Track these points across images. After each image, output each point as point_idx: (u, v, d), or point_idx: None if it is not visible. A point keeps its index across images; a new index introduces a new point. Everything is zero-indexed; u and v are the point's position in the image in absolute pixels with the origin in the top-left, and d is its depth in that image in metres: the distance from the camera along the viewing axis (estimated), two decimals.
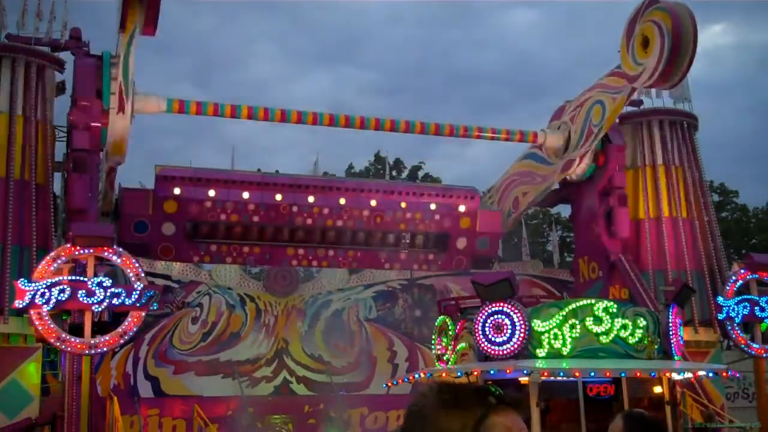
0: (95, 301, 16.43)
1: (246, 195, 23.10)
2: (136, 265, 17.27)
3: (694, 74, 29.45)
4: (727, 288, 21.42)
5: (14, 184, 19.64)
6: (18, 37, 21.00)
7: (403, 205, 24.65)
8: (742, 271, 21.46)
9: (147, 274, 19.12)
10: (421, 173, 49.39)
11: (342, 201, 23.99)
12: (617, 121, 25.70)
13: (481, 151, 78.15)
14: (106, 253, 17.10)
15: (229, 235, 23.60)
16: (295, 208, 23.44)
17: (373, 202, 24.31)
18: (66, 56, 21.81)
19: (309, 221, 23.80)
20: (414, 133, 24.41)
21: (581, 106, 24.71)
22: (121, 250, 17.50)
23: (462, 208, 25.32)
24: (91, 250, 17.05)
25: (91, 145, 20.32)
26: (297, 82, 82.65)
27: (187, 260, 24.01)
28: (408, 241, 25.17)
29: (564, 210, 32.42)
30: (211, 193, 22.92)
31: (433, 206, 24.92)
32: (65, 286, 16.33)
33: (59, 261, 16.94)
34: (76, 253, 17.01)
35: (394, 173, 45.76)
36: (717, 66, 79.62)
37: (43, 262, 16.91)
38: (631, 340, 15.72)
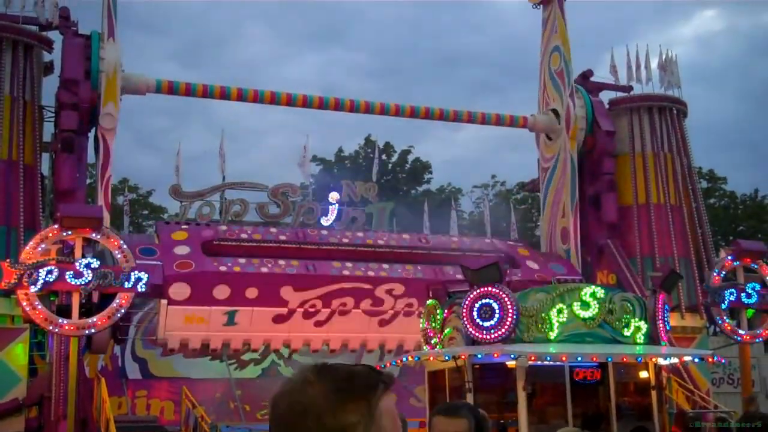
0: (83, 283, 16.38)
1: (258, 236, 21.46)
2: (124, 246, 17.21)
3: (685, 59, 29.62)
4: (714, 274, 21.53)
5: (2, 164, 19.57)
6: (5, 16, 20.84)
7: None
8: (729, 257, 21.56)
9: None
10: (410, 157, 49.36)
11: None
12: (607, 106, 25.81)
13: (473, 135, 78.08)
14: (93, 234, 17.02)
15: (256, 250, 21.15)
16: (324, 232, 22.36)
17: (407, 236, 23.18)
18: (54, 36, 21.70)
19: (345, 239, 22.31)
20: (404, 116, 24.47)
21: (543, 84, 25.23)
22: (109, 230, 17.43)
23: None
24: (79, 231, 16.98)
25: (79, 126, 20.25)
26: (287, 63, 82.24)
27: (212, 271, 20.03)
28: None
29: None
30: (223, 227, 21.46)
31: (487, 240, 24.65)
32: (53, 267, 16.27)
33: (47, 242, 16.87)
34: (64, 234, 16.93)
35: (384, 157, 45.69)
36: (708, 51, 79.73)
37: (31, 243, 16.83)
38: (618, 326, 15.80)
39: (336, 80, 75.02)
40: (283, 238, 21.58)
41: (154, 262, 18.25)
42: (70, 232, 16.85)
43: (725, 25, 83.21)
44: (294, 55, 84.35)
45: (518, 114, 25.29)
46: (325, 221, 24.09)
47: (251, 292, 20.19)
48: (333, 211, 24.61)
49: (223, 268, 20.07)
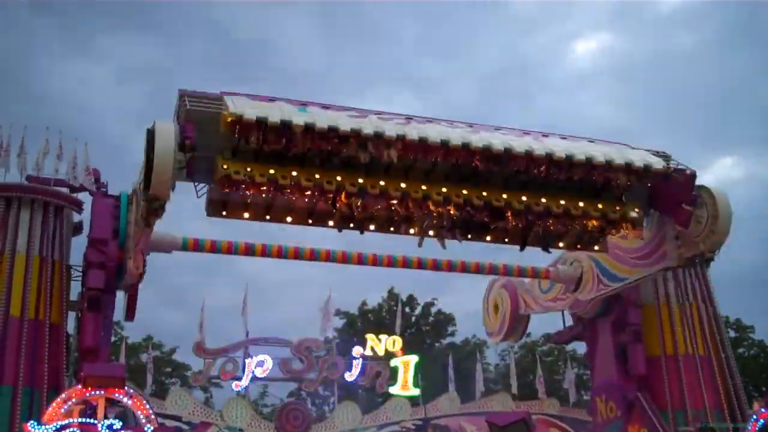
0: None
1: None
2: (147, 406, 17.06)
3: None
4: (749, 427, 20.92)
5: (28, 324, 19.70)
6: (38, 179, 21.49)
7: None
8: (763, 410, 21.01)
9: (157, 415, 18.89)
10: (434, 310, 49.24)
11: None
12: None
13: None
14: (117, 395, 16.91)
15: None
16: None
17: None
18: (84, 196, 22.26)
19: None
20: (426, 269, 24.51)
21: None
22: (132, 391, 17.32)
23: None
24: (102, 392, 16.88)
25: (106, 284, 20.45)
26: None
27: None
28: None
29: (579, 347, 32.06)
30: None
31: None
32: (75, 429, 16.09)
33: (70, 402, 16.76)
34: (88, 394, 16.84)
35: (407, 310, 45.64)
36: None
37: (54, 404, 16.73)
38: None
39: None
40: None
41: None
42: (93, 393, 16.76)
43: (744, 172, 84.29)
44: None
45: (540, 264, 25.35)
46: (349, 376, 23.93)
47: None
48: (357, 366, 24.46)
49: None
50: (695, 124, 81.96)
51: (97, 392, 16.86)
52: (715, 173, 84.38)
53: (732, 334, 41.64)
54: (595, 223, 19.20)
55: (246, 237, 22.94)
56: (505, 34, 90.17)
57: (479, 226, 19.39)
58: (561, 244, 20.94)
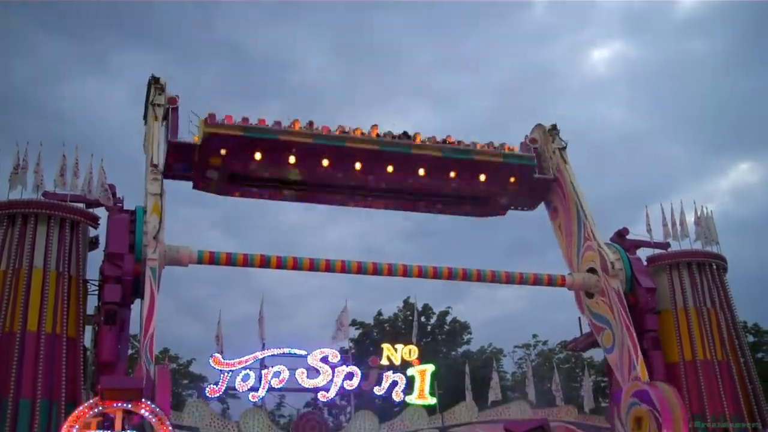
0: None
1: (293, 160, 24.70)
2: (163, 416, 17.08)
3: (721, 211, 29.57)
4: None
5: (45, 338, 19.80)
6: (54, 195, 21.63)
7: (452, 174, 26.02)
8: None
9: (174, 426, 18.95)
10: (449, 318, 49.14)
11: (390, 169, 25.53)
12: (645, 263, 25.77)
13: (512, 293, 77.62)
14: (142, 410, 16.92)
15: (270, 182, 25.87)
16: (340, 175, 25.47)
17: (422, 172, 25.71)
18: (100, 211, 22.39)
19: (352, 183, 26.00)
20: (442, 278, 24.55)
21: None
22: (150, 403, 17.35)
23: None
24: (120, 404, 16.93)
25: (122, 298, 20.55)
26: (329, 227, 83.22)
27: (226, 194, 26.00)
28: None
29: (597, 354, 31.87)
30: (257, 155, 24.38)
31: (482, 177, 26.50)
32: None
33: (87, 415, 16.81)
34: (104, 407, 16.87)
35: (423, 319, 45.54)
36: (744, 203, 79.93)
37: (71, 417, 16.80)
38: None
39: (376, 244, 75.75)
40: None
41: None
42: (111, 405, 16.81)
43: (761, 177, 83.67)
44: (335, 220, 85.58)
45: (556, 272, 25.31)
46: (366, 386, 23.90)
47: None
48: (374, 375, 24.39)
49: (237, 193, 26.36)
50: (711, 129, 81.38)
51: (115, 405, 16.90)
52: (732, 178, 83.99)
53: (750, 338, 41.29)
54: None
55: (261, 249, 23.04)
56: (519, 46, 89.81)
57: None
58: None
